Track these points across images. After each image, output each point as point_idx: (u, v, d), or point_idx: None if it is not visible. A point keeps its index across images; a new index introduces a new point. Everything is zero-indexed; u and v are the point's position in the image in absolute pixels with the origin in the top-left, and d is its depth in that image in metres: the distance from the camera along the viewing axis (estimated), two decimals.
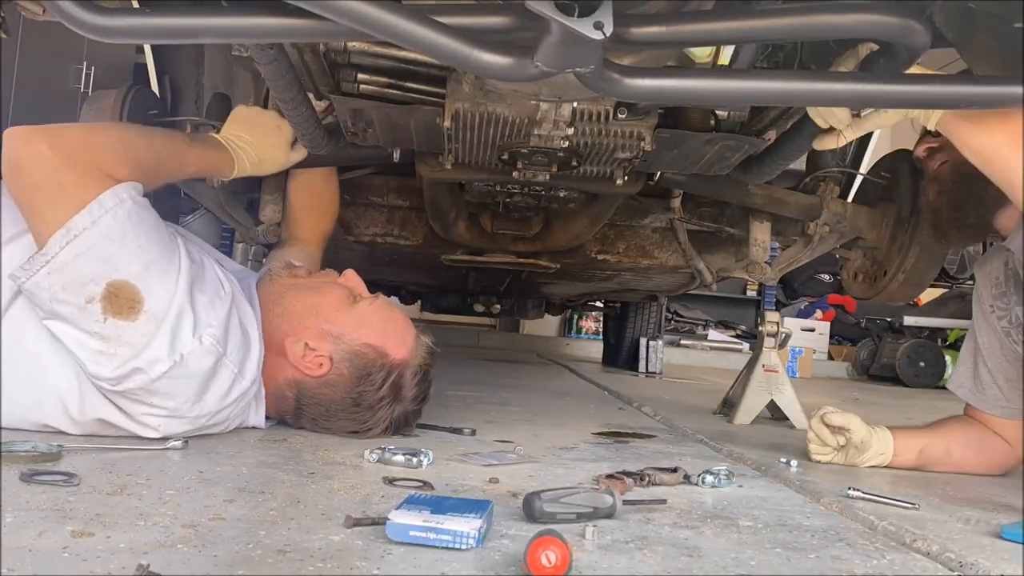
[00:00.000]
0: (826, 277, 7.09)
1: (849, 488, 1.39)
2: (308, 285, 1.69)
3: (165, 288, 1.37)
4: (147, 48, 2.78)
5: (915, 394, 5.21)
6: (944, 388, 5.87)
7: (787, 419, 2.44)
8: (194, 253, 1.50)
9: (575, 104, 1.48)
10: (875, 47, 1.29)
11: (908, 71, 1.26)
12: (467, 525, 0.94)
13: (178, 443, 1.36)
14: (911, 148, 2.31)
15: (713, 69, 1.40)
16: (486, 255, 2.50)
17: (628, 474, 1.38)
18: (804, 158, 2.44)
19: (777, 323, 2.55)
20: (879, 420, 1.83)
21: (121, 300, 1.32)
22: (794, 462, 1.69)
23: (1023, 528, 1.17)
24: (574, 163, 1.76)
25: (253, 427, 1.61)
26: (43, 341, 1.35)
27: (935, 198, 1.71)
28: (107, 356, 1.32)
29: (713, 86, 1.19)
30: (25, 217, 1.35)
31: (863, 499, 1.38)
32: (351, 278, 1.70)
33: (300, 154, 1.84)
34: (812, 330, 6.96)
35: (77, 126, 1.52)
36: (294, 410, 1.62)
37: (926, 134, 1.67)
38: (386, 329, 1.62)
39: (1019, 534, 1.14)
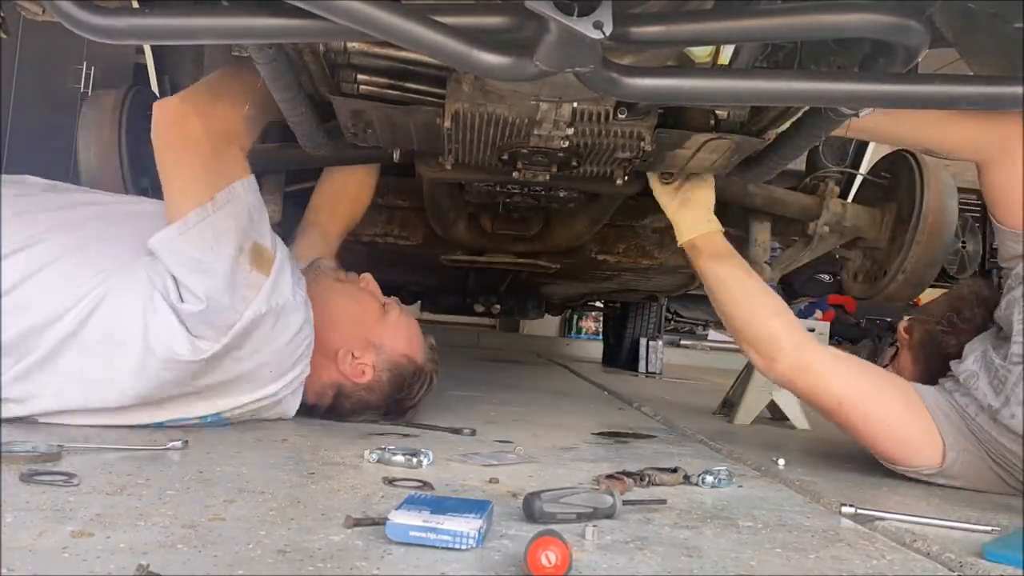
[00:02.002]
0: (826, 277, 7.08)
1: (843, 504, 1.33)
2: (349, 292, 1.84)
3: (279, 250, 1.60)
4: (147, 48, 2.78)
5: None
6: None
7: (787, 419, 2.44)
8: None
9: (575, 104, 1.48)
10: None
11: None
12: (467, 525, 0.94)
13: (178, 443, 1.36)
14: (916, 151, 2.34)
15: (713, 69, 1.40)
16: (486, 255, 2.50)
17: (628, 474, 1.38)
18: (804, 158, 2.45)
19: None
20: None
21: (263, 258, 1.55)
22: (782, 461, 1.69)
23: (1009, 544, 1.14)
24: (574, 163, 1.76)
25: (279, 418, 1.70)
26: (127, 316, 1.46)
27: (912, 365, 1.84)
28: (241, 301, 1.50)
29: (713, 86, 1.19)
30: (171, 185, 1.53)
31: (861, 514, 1.36)
32: (371, 283, 1.87)
33: None
34: (812, 330, 6.86)
35: (219, 102, 1.62)
36: (329, 406, 1.76)
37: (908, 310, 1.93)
38: (411, 338, 1.82)
39: (1003, 555, 1.11)
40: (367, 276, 1.88)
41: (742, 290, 1.74)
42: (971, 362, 1.60)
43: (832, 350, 1.68)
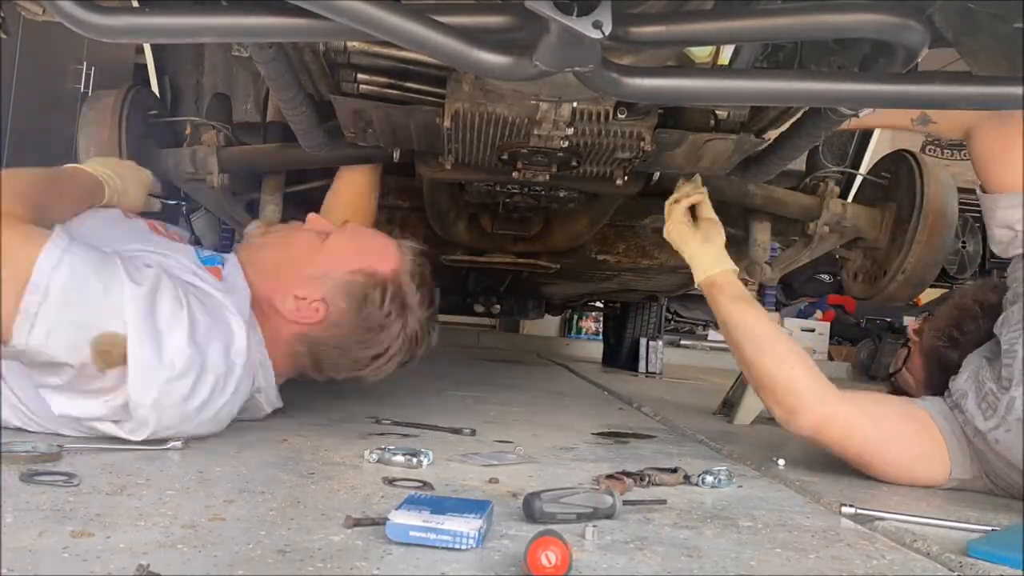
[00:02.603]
0: (826, 277, 7.09)
1: (843, 505, 1.33)
2: (276, 240, 1.67)
3: (132, 327, 1.27)
4: (147, 48, 2.78)
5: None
6: None
7: None
8: (138, 272, 1.33)
9: (575, 104, 1.49)
10: None
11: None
12: (467, 525, 0.94)
13: (178, 443, 1.36)
14: (910, 148, 2.34)
15: (713, 69, 1.40)
16: (486, 255, 2.50)
17: (628, 474, 1.38)
18: (804, 158, 2.45)
19: (777, 323, 2.55)
20: None
21: (111, 353, 1.26)
22: (781, 461, 1.68)
23: (992, 542, 1.14)
24: (574, 163, 1.76)
25: (271, 412, 1.62)
26: None
27: (922, 371, 1.84)
28: (114, 400, 1.30)
29: (713, 86, 1.19)
30: None
31: (860, 514, 1.36)
32: (314, 221, 1.68)
33: (155, 204, 1.86)
34: (812, 330, 6.96)
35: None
36: (312, 364, 1.61)
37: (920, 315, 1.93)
38: (363, 248, 1.62)
39: (986, 552, 1.11)
40: (310, 215, 1.70)
41: (765, 336, 1.66)
42: (963, 380, 1.58)
43: (852, 396, 1.61)
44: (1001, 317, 1.60)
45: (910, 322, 1.93)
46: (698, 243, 1.84)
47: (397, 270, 1.61)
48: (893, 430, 1.57)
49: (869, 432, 1.56)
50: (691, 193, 1.89)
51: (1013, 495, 1.53)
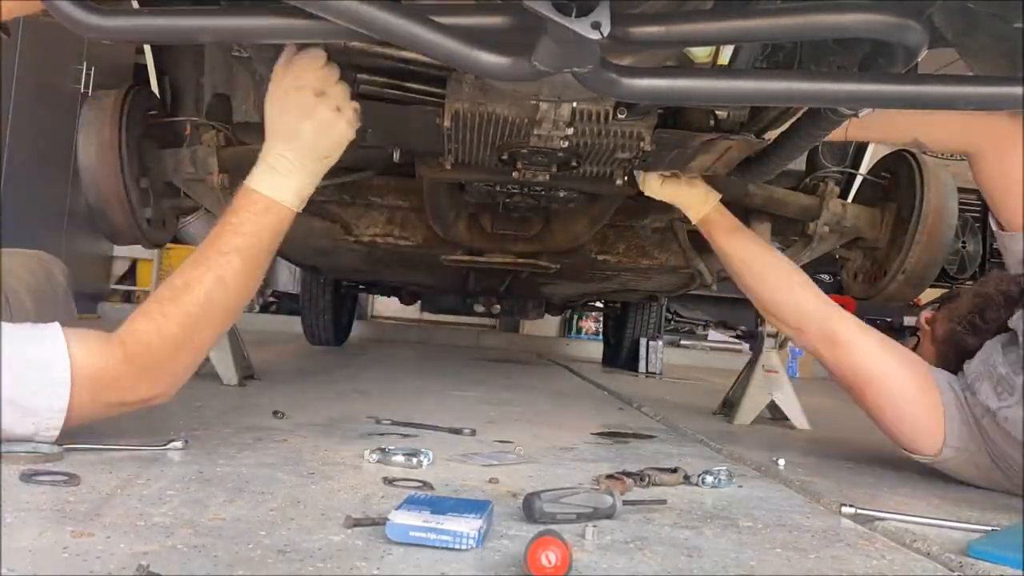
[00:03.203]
0: (826, 277, 7.08)
1: (843, 505, 1.33)
2: None
3: None
4: (147, 48, 2.78)
5: None
6: None
7: (787, 419, 2.44)
8: None
9: (575, 104, 1.48)
10: None
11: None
12: (467, 525, 0.94)
13: (178, 443, 1.36)
14: (910, 148, 2.34)
15: (712, 69, 1.40)
16: (486, 255, 2.50)
17: (628, 474, 1.38)
18: (804, 158, 2.45)
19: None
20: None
21: None
22: (781, 461, 1.68)
23: (992, 542, 1.14)
24: (574, 163, 1.76)
25: None
26: None
27: (933, 359, 1.83)
28: None
29: (712, 86, 1.19)
30: None
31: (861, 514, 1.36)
32: None
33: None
34: None
35: None
36: None
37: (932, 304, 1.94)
38: None
39: (987, 552, 1.11)
40: None
41: (764, 262, 1.76)
42: (978, 363, 1.59)
43: (857, 322, 1.67)
44: (1019, 312, 1.59)
45: (923, 314, 1.92)
46: (680, 187, 1.92)
47: None
48: (896, 367, 1.59)
49: (871, 358, 1.58)
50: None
51: (1014, 482, 1.53)
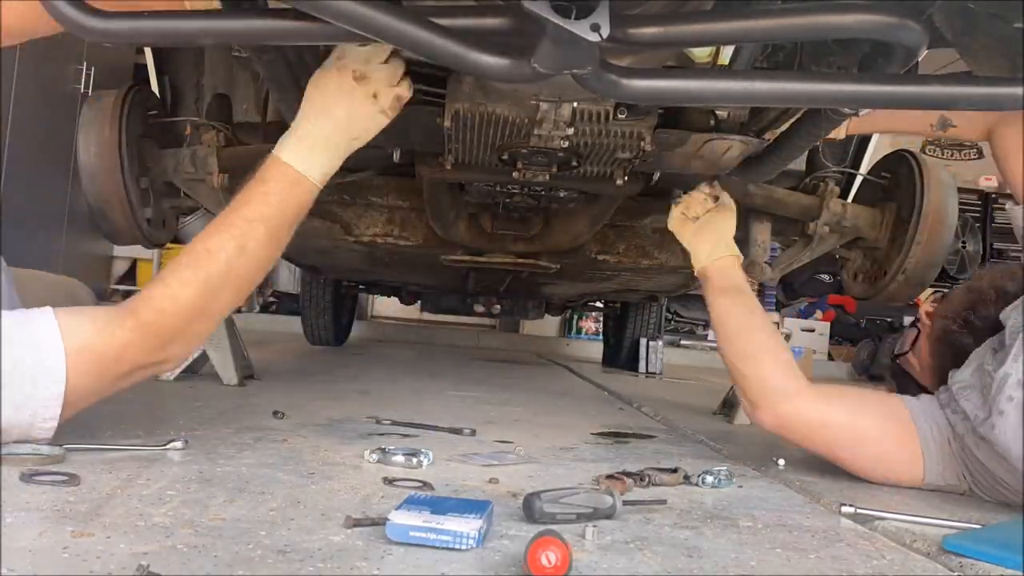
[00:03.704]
0: (826, 277, 7.09)
1: (843, 505, 1.32)
2: None
3: None
4: (147, 49, 2.79)
5: None
6: None
7: None
8: None
9: (575, 104, 1.49)
10: None
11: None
12: (467, 525, 0.94)
13: (178, 443, 1.36)
14: (910, 148, 2.34)
15: (712, 69, 1.40)
16: (486, 255, 2.50)
17: (628, 474, 1.38)
18: (804, 158, 2.45)
19: (777, 323, 2.55)
20: None
21: None
22: (781, 461, 1.68)
23: (968, 537, 1.14)
24: (574, 163, 1.76)
25: None
26: None
27: (929, 357, 1.79)
28: None
29: (712, 86, 1.19)
30: None
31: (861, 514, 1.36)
32: None
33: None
34: (812, 330, 6.96)
35: None
36: None
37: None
38: None
39: (961, 547, 1.11)
40: None
41: (740, 325, 1.68)
42: (968, 373, 1.53)
43: (821, 391, 1.58)
44: (1010, 309, 1.54)
45: (923, 308, 1.86)
46: (691, 234, 1.87)
47: None
48: (863, 427, 1.54)
49: (835, 429, 1.53)
50: (685, 198, 1.91)
51: (1001, 499, 1.48)
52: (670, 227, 1.93)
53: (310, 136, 1.37)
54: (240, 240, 1.32)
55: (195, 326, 1.32)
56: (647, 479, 1.39)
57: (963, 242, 6.24)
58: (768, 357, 1.61)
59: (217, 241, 1.31)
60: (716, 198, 1.89)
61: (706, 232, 1.84)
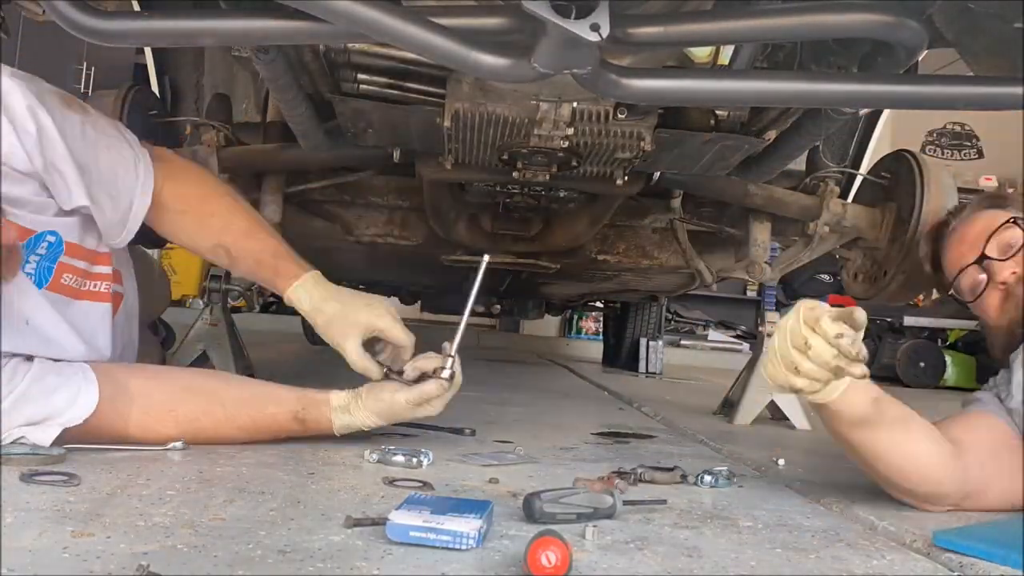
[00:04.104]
0: (826, 277, 7.08)
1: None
2: None
3: None
4: (147, 49, 2.79)
5: (915, 394, 5.21)
6: (944, 388, 5.81)
7: (787, 419, 2.44)
8: None
9: (575, 104, 1.49)
10: None
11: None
12: (467, 525, 0.94)
13: (178, 443, 1.36)
14: (910, 148, 2.33)
15: (712, 69, 1.40)
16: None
17: (620, 474, 1.38)
18: (804, 158, 2.45)
19: (777, 323, 2.54)
20: None
21: None
22: (781, 461, 1.68)
23: (959, 532, 1.14)
24: (574, 163, 1.76)
25: None
26: None
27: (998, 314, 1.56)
28: None
29: (712, 86, 1.19)
30: None
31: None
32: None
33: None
34: None
35: None
36: None
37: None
38: None
39: (950, 542, 1.10)
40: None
41: (888, 454, 1.32)
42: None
43: (972, 460, 1.34)
44: None
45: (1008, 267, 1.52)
46: (791, 376, 1.19)
47: None
48: (1014, 468, 1.36)
49: (996, 492, 1.36)
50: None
51: None
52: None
53: None
54: None
55: None
56: (633, 476, 1.39)
57: None
58: (926, 457, 1.33)
59: None
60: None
61: (809, 369, 1.18)
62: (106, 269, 1.44)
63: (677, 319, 7.26)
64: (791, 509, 1.32)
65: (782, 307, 7.23)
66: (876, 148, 2.74)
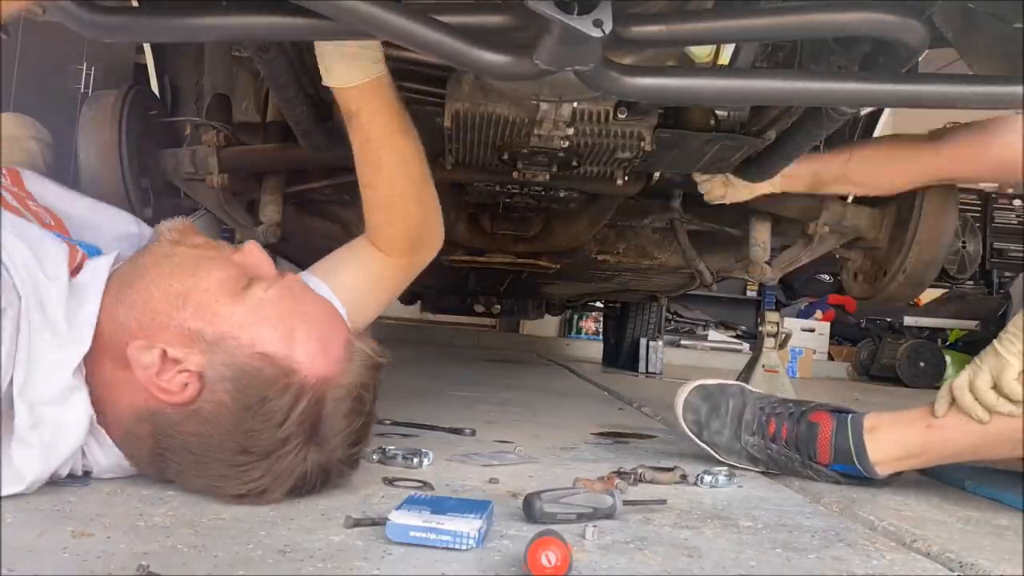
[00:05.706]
0: (826, 277, 7.09)
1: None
2: (184, 261, 1.12)
3: None
4: (147, 48, 2.78)
5: (915, 394, 5.21)
6: None
7: None
8: None
9: (575, 104, 1.49)
10: None
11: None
12: (467, 525, 0.94)
13: None
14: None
15: (713, 68, 1.40)
16: (486, 255, 2.49)
17: (620, 474, 1.38)
18: None
19: (777, 323, 2.55)
20: None
21: None
22: None
23: (993, 480, 1.13)
24: (574, 163, 1.76)
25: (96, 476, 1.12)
26: None
27: None
28: None
29: (713, 86, 1.19)
30: None
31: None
32: (251, 252, 1.15)
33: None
34: (812, 330, 6.96)
35: None
36: (150, 454, 1.08)
37: None
38: (294, 329, 1.08)
39: (983, 488, 1.10)
40: (250, 243, 1.18)
41: None
42: None
43: None
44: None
45: None
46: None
47: (327, 377, 1.08)
48: None
49: None
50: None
51: None
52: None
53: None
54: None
55: None
56: (632, 476, 1.39)
57: (963, 242, 6.24)
58: None
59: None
60: None
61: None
62: None
63: (677, 319, 7.26)
64: (791, 509, 1.32)
65: (782, 307, 7.25)
66: None
